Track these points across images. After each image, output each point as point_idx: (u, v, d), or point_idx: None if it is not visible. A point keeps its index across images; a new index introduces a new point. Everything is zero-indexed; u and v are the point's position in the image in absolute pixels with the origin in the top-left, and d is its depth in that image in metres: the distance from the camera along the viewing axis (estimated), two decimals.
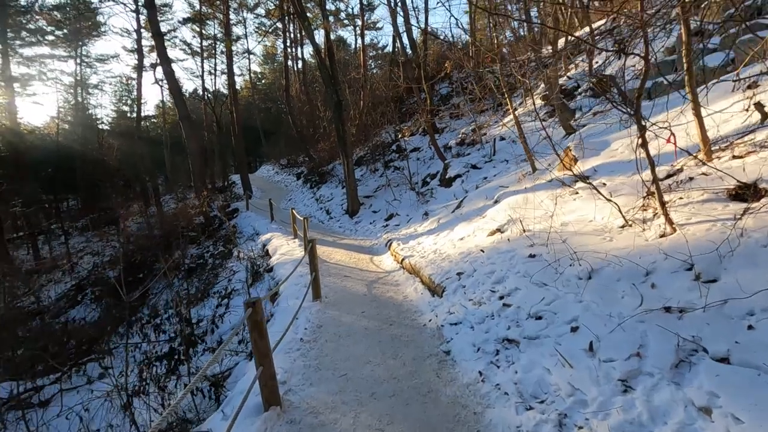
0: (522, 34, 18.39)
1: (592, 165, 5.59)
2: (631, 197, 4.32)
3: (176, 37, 33.35)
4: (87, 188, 26.48)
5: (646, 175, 4.72)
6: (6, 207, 19.35)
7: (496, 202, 6.62)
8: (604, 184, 5.04)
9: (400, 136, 15.13)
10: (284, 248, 9.04)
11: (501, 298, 3.47)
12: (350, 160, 12.14)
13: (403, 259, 6.51)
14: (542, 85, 13.24)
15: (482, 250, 4.65)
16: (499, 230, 5.18)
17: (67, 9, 28.39)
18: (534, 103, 7.54)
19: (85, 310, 13.22)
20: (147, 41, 30.47)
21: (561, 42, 11.31)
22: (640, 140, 3.33)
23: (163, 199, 27.35)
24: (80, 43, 31.25)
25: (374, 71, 30.34)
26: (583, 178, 4.26)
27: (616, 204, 3.95)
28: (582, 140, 5.38)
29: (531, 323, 2.98)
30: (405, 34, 15.31)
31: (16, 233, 22.66)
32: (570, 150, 6.20)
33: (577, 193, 5.25)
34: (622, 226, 3.87)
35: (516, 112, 7.84)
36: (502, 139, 11.01)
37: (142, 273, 12.97)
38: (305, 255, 5.29)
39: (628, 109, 3.40)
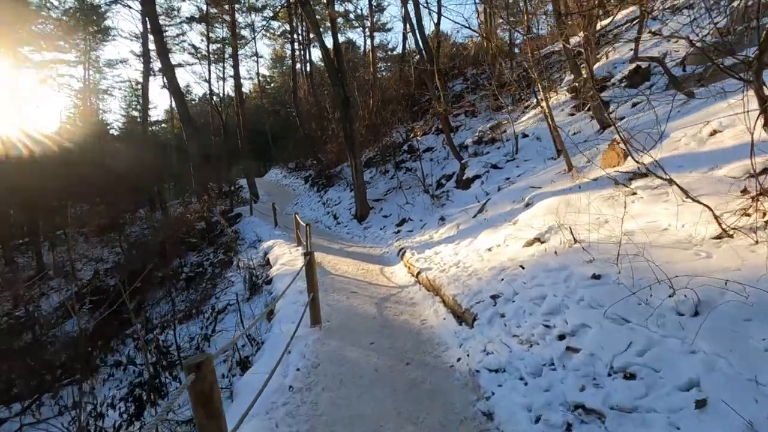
0: (537, 30, 17.40)
1: (649, 160, 4.61)
2: (716, 198, 3.33)
3: (184, 41, 33.13)
4: (95, 194, 26.17)
5: (727, 170, 3.74)
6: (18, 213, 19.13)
7: (528, 205, 5.65)
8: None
9: (411, 135, 14.23)
10: (286, 257, 8.19)
11: (562, 338, 2.52)
12: (359, 160, 11.28)
13: (419, 273, 5.58)
14: (566, 77, 12.23)
15: (522, 266, 3.70)
16: (538, 240, 4.21)
17: (76, 14, 28.33)
18: (593, 76, 6.55)
19: (81, 322, 12.54)
20: (153, 45, 30.31)
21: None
22: (762, 118, 2.36)
23: (171, 204, 26.92)
24: (89, 48, 31.23)
25: (384, 74, 29.57)
26: (663, 175, 3.29)
27: (708, 207, 2.97)
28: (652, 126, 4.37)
29: (619, 384, 2.03)
30: (417, 30, 14.39)
31: (22, 239, 22.38)
32: (618, 143, 5.21)
33: (634, 193, 4.27)
34: (719, 237, 2.89)
35: (543, 102, 6.86)
36: (525, 135, 10.02)
37: (140, 282, 12.27)
38: (302, 269, 4.40)
39: (746, 75, 2.42)
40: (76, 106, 33.74)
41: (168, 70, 12.92)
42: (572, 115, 9.88)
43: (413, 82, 19.94)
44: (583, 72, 9.45)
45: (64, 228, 22.76)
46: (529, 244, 4.26)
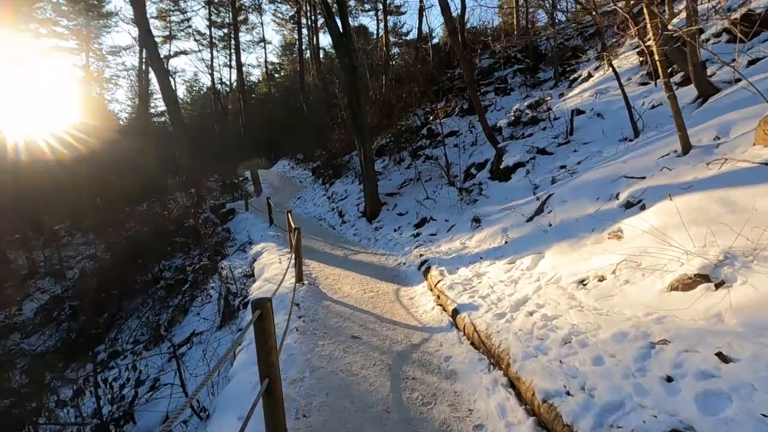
0: None
1: None
2: None
3: (189, 26, 31.22)
4: (95, 186, 24.90)
5: None
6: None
7: (631, 205, 3.57)
8: None
9: (431, 117, 12.11)
10: (273, 269, 6.30)
11: None
12: (368, 146, 9.27)
13: (456, 312, 3.58)
14: (628, 41, 9.86)
15: (724, 358, 1.65)
16: (705, 278, 2.17)
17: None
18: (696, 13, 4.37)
19: (53, 331, 11.02)
20: (158, 31, 28.71)
21: None
22: None
23: (172, 197, 25.43)
24: (91, 35, 29.90)
25: (398, 62, 27.38)
26: None
27: None
28: None
29: None
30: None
31: (15, 235, 21.24)
32: None
33: None
34: None
35: (596, 72, 4.73)
36: (580, 113, 7.83)
37: (117, 289, 10.63)
38: (250, 325, 2.45)
39: None
40: (81, 96, 32.51)
41: (149, 44, 11.11)
42: (644, 84, 7.64)
43: (432, 60, 17.77)
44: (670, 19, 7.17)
45: (56, 224, 21.55)
46: (687, 284, 2.21)
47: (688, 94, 6.36)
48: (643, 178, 3.88)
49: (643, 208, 3.34)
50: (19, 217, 20.50)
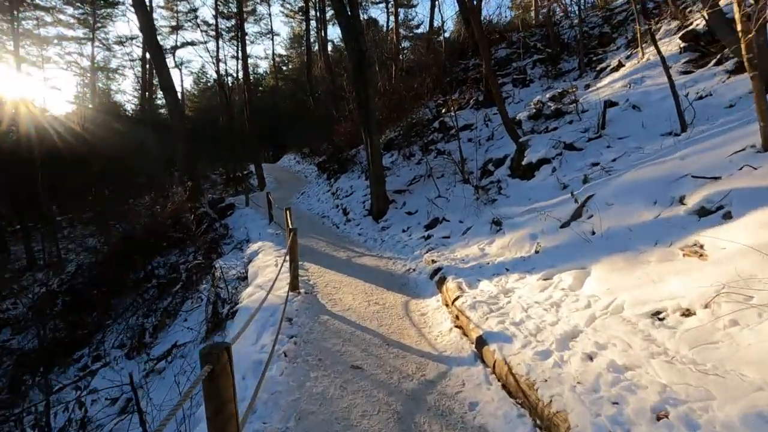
0: None
1: None
2: None
3: (197, 16, 30.58)
4: (98, 178, 24.54)
5: None
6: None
7: (708, 212, 2.83)
8: None
9: (443, 110, 11.33)
10: (268, 272, 5.66)
11: None
12: (376, 138, 8.55)
13: (482, 342, 2.88)
14: (663, 27, 8.97)
15: None
16: None
17: None
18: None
19: (41, 329, 10.51)
20: (165, 21, 28.19)
21: None
22: None
23: (174, 191, 24.96)
24: (97, 24, 29.42)
25: (408, 55, 26.55)
26: None
27: None
28: None
29: None
30: None
31: (16, 226, 20.94)
32: None
33: None
34: None
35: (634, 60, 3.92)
36: (613, 104, 7.02)
37: (108, 287, 10.08)
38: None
39: None
40: (85, 86, 32.15)
41: (147, 27, 10.47)
42: (688, 73, 6.82)
43: (444, 51, 16.95)
44: None
45: (59, 215, 21.21)
46: None
47: (742, 83, 5.55)
48: (718, 178, 3.12)
49: (728, 216, 2.60)
50: (21, 205, 20.18)
